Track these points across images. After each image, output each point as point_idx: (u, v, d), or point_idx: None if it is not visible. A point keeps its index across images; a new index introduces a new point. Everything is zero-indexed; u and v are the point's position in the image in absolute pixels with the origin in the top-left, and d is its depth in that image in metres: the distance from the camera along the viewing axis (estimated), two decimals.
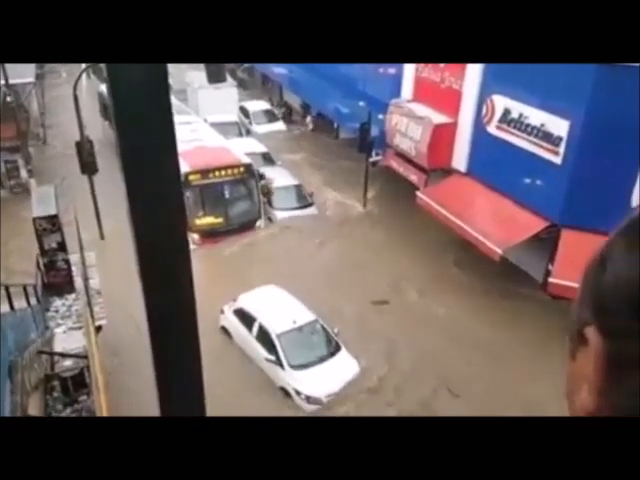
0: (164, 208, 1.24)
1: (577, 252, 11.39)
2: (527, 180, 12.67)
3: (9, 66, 16.50)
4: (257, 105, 25.77)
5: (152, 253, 1.28)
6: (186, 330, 1.41)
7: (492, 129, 13.46)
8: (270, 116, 25.25)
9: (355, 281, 14.09)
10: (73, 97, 15.18)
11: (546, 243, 12.82)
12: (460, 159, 14.68)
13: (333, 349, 11.53)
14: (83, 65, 17.01)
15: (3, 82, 17.13)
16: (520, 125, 12.65)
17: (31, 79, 18.58)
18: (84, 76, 17.50)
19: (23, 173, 18.88)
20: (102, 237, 15.77)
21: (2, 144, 17.86)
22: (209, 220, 16.01)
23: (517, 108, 12.68)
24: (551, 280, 11.37)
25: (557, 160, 11.83)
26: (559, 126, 11.66)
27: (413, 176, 16.21)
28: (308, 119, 25.20)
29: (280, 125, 24.99)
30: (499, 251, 12.12)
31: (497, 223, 13.08)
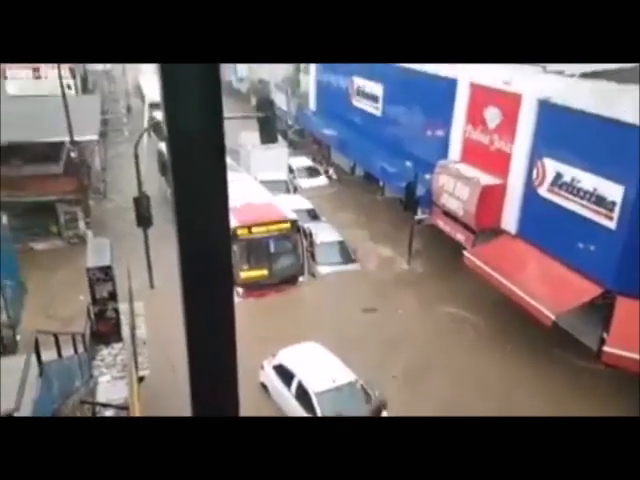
0: (213, 261, 1.28)
1: (633, 321, 10.85)
2: (580, 244, 12.30)
3: (75, 124, 17.52)
4: (300, 161, 26.99)
5: (198, 304, 1.32)
6: (226, 384, 1.41)
7: (543, 192, 13.28)
8: (312, 171, 26.35)
9: (395, 340, 13.81)
10: (134, 155, 15.97)
11: (599, 310, 12.25)
12: (509, 220, 14.48)
13: (374, 411, 11.15)
14: (145, 125, 17.97)
15: (68, 139, 18.22)
16: (572, 189, 12.43)
17: (95, 137, 19.69)
18: (145, 134, 18.46)
19: (81, 225, 19.77)
20: (152, 287, 16.15)
21: (64, 197, 18.85)
22: (253, 273, 16.19)
23: (569, 172, 12.50)
24: (606, 349, 10.80)
25: (611, 225, 11.48)
26: (613, 191, 11.39)
27: (460, 235, 16.05)
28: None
29: (322, 180, 26.07)
30: (552, 316, 11.65)
31: (549, 287, 12.65)
